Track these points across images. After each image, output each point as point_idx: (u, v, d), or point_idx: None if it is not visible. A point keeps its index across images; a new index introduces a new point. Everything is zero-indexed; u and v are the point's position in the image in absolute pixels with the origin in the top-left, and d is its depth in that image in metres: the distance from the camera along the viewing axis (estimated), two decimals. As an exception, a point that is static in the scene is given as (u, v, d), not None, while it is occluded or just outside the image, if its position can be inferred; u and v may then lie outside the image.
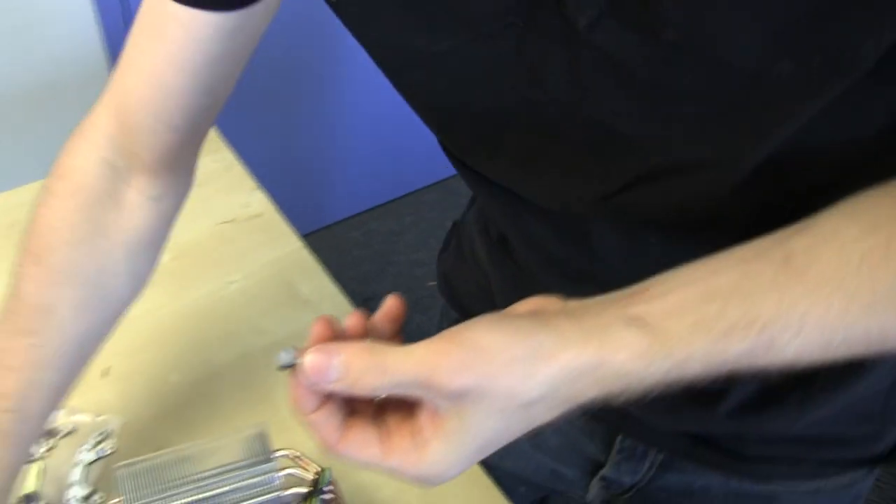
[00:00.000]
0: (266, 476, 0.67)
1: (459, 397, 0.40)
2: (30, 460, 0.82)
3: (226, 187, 1.14)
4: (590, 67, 0.47)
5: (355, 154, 2.34)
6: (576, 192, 0.56)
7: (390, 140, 2.34)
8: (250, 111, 1.99)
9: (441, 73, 0.53)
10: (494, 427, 0.41)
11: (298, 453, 0.73)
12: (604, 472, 0.83)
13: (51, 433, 0.85)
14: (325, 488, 0.70)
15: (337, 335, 0.45)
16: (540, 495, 1.00)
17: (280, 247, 1.06)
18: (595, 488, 0.86)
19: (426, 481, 0.43)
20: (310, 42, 1.99)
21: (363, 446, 0.43)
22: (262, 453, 0.68)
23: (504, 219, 0.71)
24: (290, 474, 0.71)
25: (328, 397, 0.44)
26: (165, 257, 1.03)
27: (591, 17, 0.44)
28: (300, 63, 2.04)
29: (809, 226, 0.43)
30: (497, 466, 0.85)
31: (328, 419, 0.44)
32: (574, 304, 0.44)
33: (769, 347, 0.41)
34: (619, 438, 0.79)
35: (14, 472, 0.64)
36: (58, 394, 0.66)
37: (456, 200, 2.54)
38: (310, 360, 0.42)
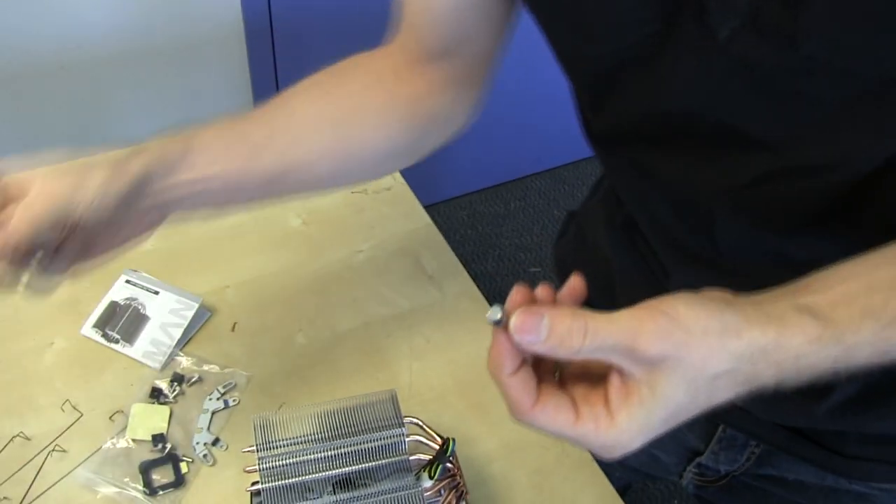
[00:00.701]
0: (396, 440, 0.69)
1: (655, 364, 0.42)
2: (164, 402, 0.86)
3: (358, 158, 1.16)
4: (724, 75, 0.49)
5: (469, 135, 2.35)
6: (702, 183, 0.59)
7: (504, 125, 2.34)
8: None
9: (590, 69, 0.58)
10: (682, 398, 0.43)
11: (421, 421, 0.75)
12: (701, 459, 0.85)
13: (179, 379, 0.88)
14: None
15: (532, 302, 0.46)
16: (633, 480, 1.01)
17: (409, 221, 1.08)
18: (690, 474, 0.88)
19: (613, 450, 0.44)
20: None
21: (557, 412, 0.44)
22: (394, 417, 0.70)
23: (633, 201, 0.73)
24: (415, 440, 0.73)
25: (523, 362, 0.45)
26: (297, 221, 1.07)
27: (733, 27, 0.47)
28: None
29: None
30: None
31: (526, 382, 0.44)
32: (745, 297, 0.46)
33: None
34: (720, 428, 0.81)
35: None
36: (238, 176, 0.65)
37: (564, 189, 2.53)
38: (518, 318, 0.43)
